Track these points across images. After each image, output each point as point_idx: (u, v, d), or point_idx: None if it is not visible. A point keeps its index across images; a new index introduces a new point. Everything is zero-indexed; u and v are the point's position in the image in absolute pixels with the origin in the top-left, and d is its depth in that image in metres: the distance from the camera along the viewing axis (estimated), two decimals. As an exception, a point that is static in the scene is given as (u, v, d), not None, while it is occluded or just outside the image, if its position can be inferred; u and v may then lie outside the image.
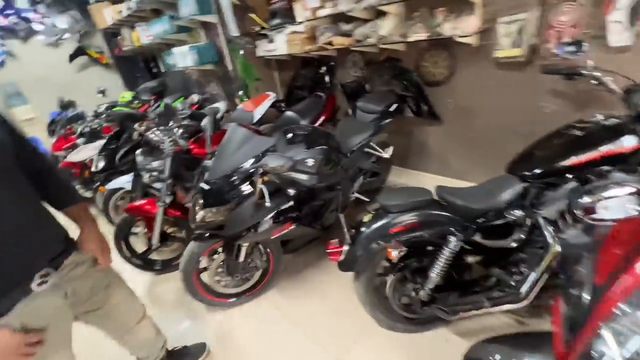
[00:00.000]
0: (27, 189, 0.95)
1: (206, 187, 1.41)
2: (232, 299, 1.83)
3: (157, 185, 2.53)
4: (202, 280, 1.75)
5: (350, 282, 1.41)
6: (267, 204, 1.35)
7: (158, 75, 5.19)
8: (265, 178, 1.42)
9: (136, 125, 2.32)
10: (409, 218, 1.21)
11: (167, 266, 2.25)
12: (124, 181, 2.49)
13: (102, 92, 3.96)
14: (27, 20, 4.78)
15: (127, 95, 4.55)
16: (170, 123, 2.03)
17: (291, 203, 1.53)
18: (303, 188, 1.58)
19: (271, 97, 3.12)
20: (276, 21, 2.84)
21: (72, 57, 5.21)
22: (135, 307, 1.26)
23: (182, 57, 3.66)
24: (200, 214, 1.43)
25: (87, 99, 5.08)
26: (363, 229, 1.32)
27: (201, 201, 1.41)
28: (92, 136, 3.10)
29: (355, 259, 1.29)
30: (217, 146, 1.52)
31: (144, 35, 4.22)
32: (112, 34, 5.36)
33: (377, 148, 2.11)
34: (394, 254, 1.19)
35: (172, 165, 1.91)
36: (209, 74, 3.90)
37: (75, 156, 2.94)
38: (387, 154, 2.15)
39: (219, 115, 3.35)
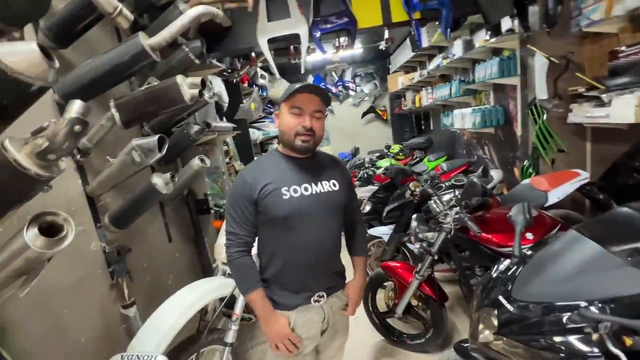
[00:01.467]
0: (340, 231, 1.22)
1: (508, 306, 1.03)
2: None
3: (414, 248, 2.47)
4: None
5: None
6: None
7: (425, 132, 5.51)
8: (628, 341, 0.84)
9: (411, 185, 2.36)
10: None
11: (402, 341, 2.06)
12: (383, 232, 2.61)
13: (388, 147, 4.79)
14: (347, 88, 6.64)
15: (396, 148, 5.12)
16: (447, 194, 1.85)
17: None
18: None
19: (581, 177, 2.30)
20: (622, 80, 2.05)
21: (364, 114, 6.67)
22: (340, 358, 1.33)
23: (461, 119, 3.58)
24: (485, 335, 1.07)
25: (366, 144, 6.31)
26: None
27: (494, 321, 1.05)
28: (365, 181, 3.62)
29: None
30: (536, 252, 1.11)
31: (427, 97, 4.60)
32: (396, 96, 6.38)
33: None
34: None
35: (444, 242, 1.70)
36: (483, 137, 3.57)
37: (350, 195, 3.53)
38: None
39: (490, 185, 2.91)
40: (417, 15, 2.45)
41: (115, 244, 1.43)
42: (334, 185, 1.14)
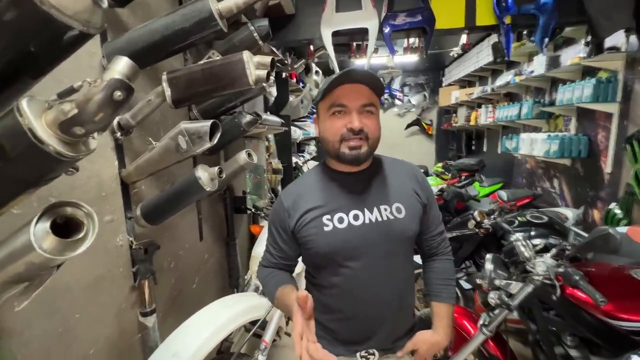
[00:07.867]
0: (410, 272, 0.95)
1: None
2: None
3: (467, 286, 2.11)
4: None
5: None
6: None
7: (476, 154, 5.05)
8: None
9: (476, 214, 2.01)
10: None
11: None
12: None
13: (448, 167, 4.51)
14: (393, 97, 6.31)
15: (440, 166, 4.73)
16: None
17: None
18: None
19: (702, 236, 1.84)
20: None
21: (408, 126, 6.30)
22: None
23: (530, 144, 3.14)
24: None
25: (404, 158, 5.92)
26: None
27: None
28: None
29: None
30: None
31: (486, 115, 4.18)
32: (445, 111, 5.96)
33: None
34: None
35: (530, 297, 1.35)
36: (555, 168, 3.12)
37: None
38: None
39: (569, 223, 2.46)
40: (508, 20, 2.12)
41: (143, 239, 1.23)
42: (398, 211, 0.87)
